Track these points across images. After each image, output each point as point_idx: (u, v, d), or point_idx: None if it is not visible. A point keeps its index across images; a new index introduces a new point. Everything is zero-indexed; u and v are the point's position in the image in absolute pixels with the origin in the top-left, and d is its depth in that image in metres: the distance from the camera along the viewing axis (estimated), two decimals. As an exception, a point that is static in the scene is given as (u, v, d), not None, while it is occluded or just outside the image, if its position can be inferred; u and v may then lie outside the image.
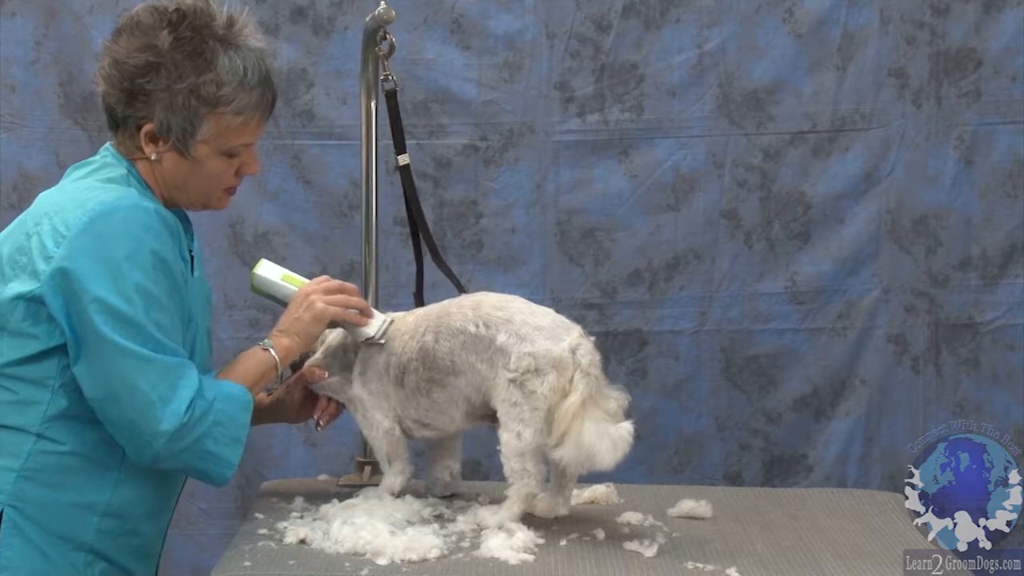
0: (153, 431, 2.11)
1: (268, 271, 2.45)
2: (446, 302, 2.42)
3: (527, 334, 2.28)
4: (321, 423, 2.52)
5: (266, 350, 2.33)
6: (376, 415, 2.42)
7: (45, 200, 2.20)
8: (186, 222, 2.31)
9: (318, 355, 2.47)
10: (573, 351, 2.26)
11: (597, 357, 2.29)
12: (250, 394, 2.25)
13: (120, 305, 2.08)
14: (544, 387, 2.25)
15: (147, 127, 2.18)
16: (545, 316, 2.32)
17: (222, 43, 2.18)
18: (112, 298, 2.08)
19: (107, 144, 2.27)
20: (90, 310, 2.08)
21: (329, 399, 2.50)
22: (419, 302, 2.65)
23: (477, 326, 2.31)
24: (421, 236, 2.70)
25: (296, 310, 2.37)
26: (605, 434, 2.19)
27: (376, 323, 2.41)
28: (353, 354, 2.45)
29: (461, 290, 2.53)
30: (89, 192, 2.15)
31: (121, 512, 2.21)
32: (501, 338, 2.28)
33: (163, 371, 2.12)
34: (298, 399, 2.51)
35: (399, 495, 2.44)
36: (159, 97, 2.16)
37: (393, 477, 2.45)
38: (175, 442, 2.12)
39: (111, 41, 2.20)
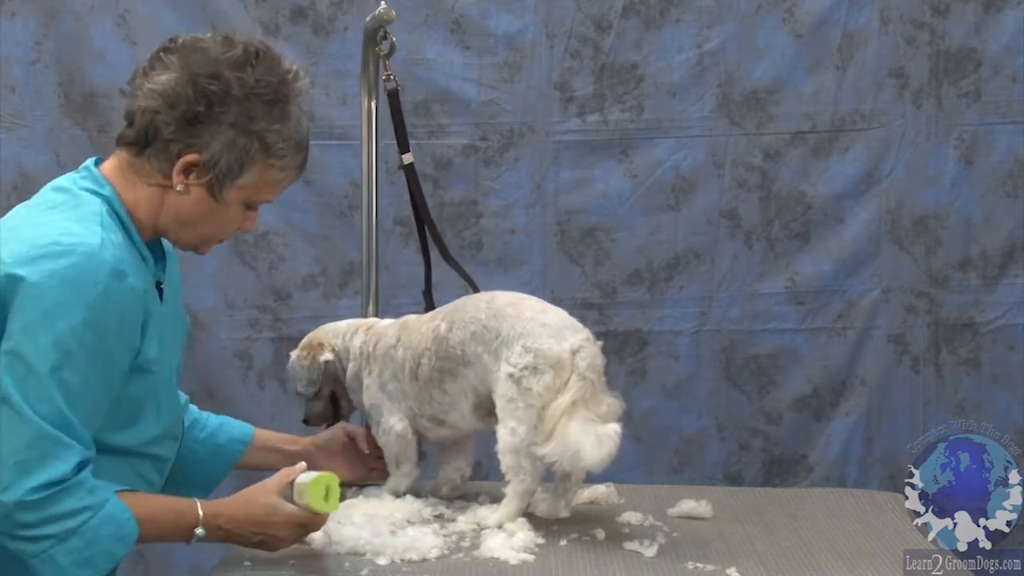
0: None
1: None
2: (465, 297, 2.44)
3: (532, 330, 2.28)
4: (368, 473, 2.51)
5: (195, 509, 2.05)
6: (390, 420, 2.44)
7: (7, 223, 2.05)
8: (160, 251, 2.19)
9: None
10: (573, 353, 2.26)
11: (599, 362, 2.29)
12: (137, 531, 1.99)
13: (27, 350, 1.91)
14: (540, 385, 2.26)
15: (190, 157, 2.03)
16: (555, 315, 2.33)
17: (294, 100, 2.09)
18: (24, 341, 1.91)
19: (89, 162, 2.12)
20: None
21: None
22: (428, 301, 2.67)
23: (487, 317, 2.32)
24: (430, 235, 2.69)
25: (260, 529, 2.09)
26: (590, 432, 2.19)
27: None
28: (365, 367, 2.49)
29: (475, 288, 2.54)
30: (49, 228, 1.98)
31: None
32: (506, 330, 2.29)
33: (39, 439, 1.90)
34: (333, 451, 2.48)
35: (401, 496, 2.45)
36: (222, 131, 2.03)
37: (399, 479, 2.46)
38: (12, 519, 1.91)
39: (179, 55, 2.05)
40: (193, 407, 2.43)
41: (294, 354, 2.52)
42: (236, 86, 2.03)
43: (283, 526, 2.10)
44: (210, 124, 2.03)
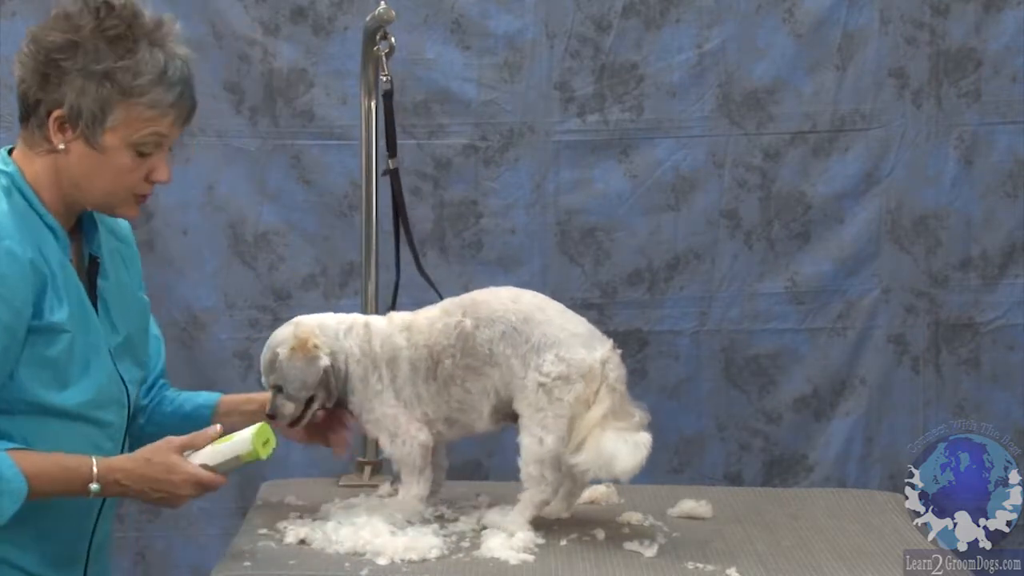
0: None
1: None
2: (473, 292, 2.39)
3: (564, 339, 2.28)
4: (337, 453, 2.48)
5: (89, 465, 2.09)
6: (411, 429, 2.36)
7: None
8: (92, 225, 2.24)
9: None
10: (603, 364, 2.27)
11: (623, 372, 2.30)
12: (26, 486, 2.03)
13: None
14: (571, 396, 2.25)
15: (57, 112, 2.11)
16: (581, 324, 2.33)
17: (147, 38, 2.14)
18: None
19: (2, 150, 2.20)
20: None
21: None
22: (393, 305, 2.65)
23: (517, 320, 2.30)
24: (407, 243, 2.69)
25: (158, 486, 2.13)
26: (626, 440, 2.20)
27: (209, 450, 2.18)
28: (372, 372, 2.38)
29: (441, 297, 2.48)
30: None
31: (28, 520, 2.08)
32: (537, 337, 2.28)
33: None
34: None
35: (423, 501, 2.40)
36: (72, 79, 2.10)
37: (420, 487, 2.38)
38: None
39: (33, 29, 2.16)
40: (169, 388, 2.48)
41: (282, 352, 2.34)
42: (75, 32, 2.11)
43: (182, 484, 2.13)
44: (60, 75, 2.11)
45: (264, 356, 2.39)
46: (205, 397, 2.47)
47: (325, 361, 2.34)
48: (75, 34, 2.11)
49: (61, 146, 2.13)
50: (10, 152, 2.21)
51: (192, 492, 2.15)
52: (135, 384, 2.29)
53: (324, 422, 2.47)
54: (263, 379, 2.40)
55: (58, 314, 2.11)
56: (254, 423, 2.21)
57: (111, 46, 2.11)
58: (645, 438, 2.22)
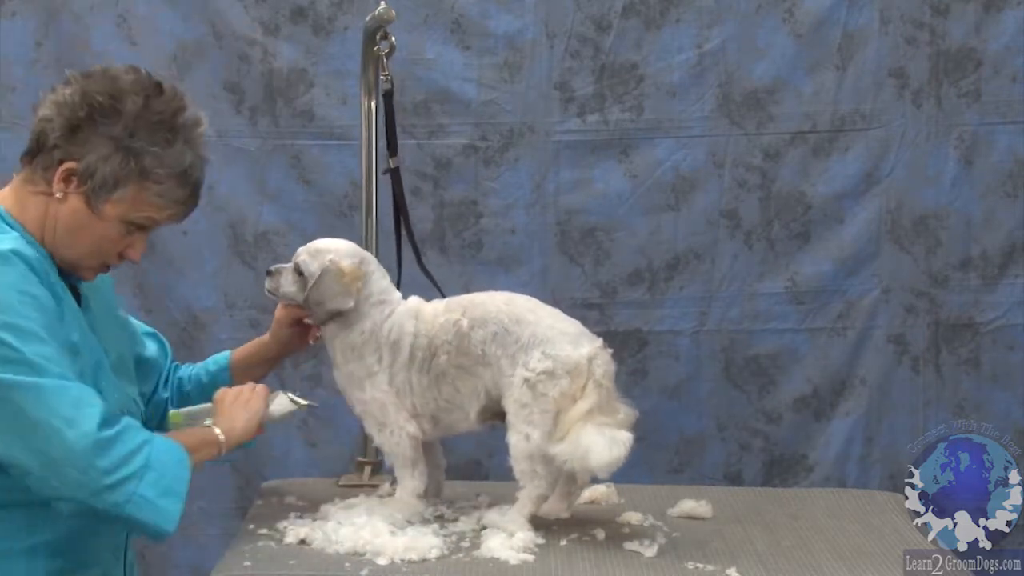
0: (66, 457, 1.99)
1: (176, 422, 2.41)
2: (476, 293, 2.42)
3: (552, 337, 2.29)
4: (312, 341, 2.51)
5: (211, 427, 2.27)
6: (399, 419, 2.39)
7: None
8: None
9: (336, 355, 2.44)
10: (590, 360, 2.28)
11: (612, 369, 2.31)
12: (187, 453, 2.14)
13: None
14: (555, 391, 2.26)
15: (70, 164, 2.12)
16: (572, 324, 2.35)
17: (183, 134, 2.17)
18: None
19: None
20: None
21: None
22: None
23: (509, 321, 2.32)
24: (409, 242, 2.70)
25: (231, 405, 2.33)
26: (605, 434, 2.21)
27: (284, 399, 2.42)
28: (373, 351, 2.39)
29: (443, 295, 2.51)
30: None
31: (68, 549, 2.14)
32: (526, 336, 2.30)
33: (58, 394, 2.01)
34: (286, 336, 2.50)
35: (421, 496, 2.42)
36: (101, 143, 2.12)
37: (416, 481, 2.40)
38: (92, 469, 2.00)
39: (81, 75, 2.17)
40: (180, 368, 2.57)
41: (332, 264, 2.37)
42: (125, 103, 2.13)
43: (239, 394, 2.34)
44: (91, 134, 2.12)
45: (315, 245, 2.43)
46: (215, 362, 2.55)
47: (348, 304, 2.37)
48: (121, 103, 2.13)
49: (59, 194, 2.14)
50: None
51: (260, 393, 2.35)
52: (138, 399, 2.33)
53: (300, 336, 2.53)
54: (295, 255, 2.43)
55: (73, 335, 2.13)
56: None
57: (150, 130, 2.14)
58: (624, 436, 2.23)
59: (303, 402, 2.41)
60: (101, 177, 2.12)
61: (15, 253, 2.06)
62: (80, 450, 1.99)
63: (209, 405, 2.37)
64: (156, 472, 2.05)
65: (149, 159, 2.13)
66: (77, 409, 2.01)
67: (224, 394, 2.36)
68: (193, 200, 2.21)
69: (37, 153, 2.16)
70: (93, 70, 2.18)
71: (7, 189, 2.20)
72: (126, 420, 2.08)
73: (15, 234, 2.12)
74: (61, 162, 2.13)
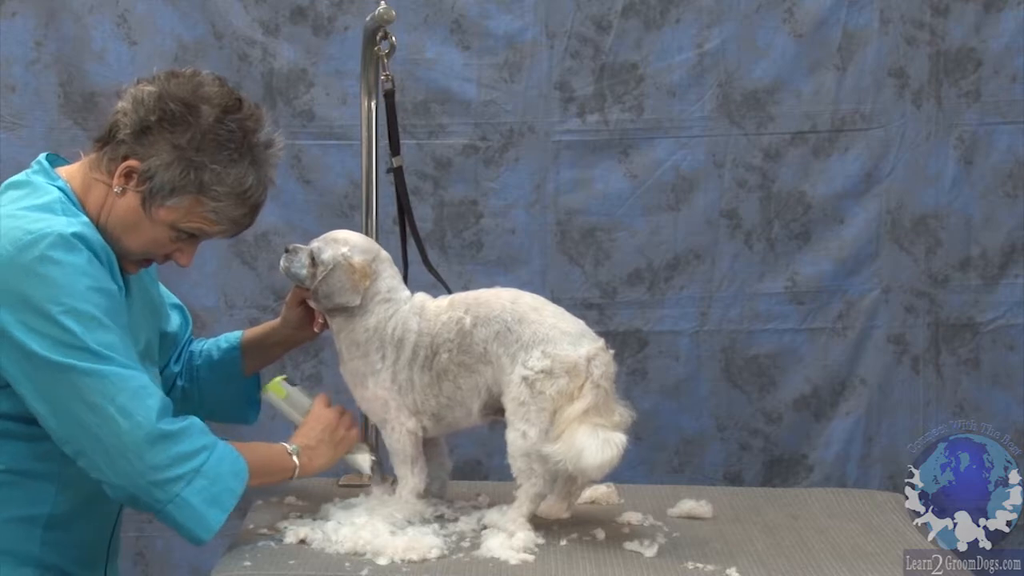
0: (118, 446, 2.03)
1: (279, 394, 2.49)
2: (482, 290, 2.42)
3: (553, 336, 2.29)
4: (317, 328, 2.52)
5: (290, 455, 2.30)
6: (400, 416, 2.40)
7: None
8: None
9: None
10: (589, 360, 2.28)
11: (612, 370, 2.31)
12: (247, 467, 2.17)
13: (52, 330, 2.02)
14: (552, 389, 2.26)
15: (133, 162, 2.15)
16: (574, 324, 2.35)
17: (252, 154, 2.19)
18: (43, 324, 2.02)
19: (41, 157, 2.24)
20: (22, 338, 2.02)
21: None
22: None
23: (512, 320, 2.32)
24: (413, 240, 2.70)
25: (323, 435, 2.36)
26: (599, 435, 2.21)
27: (367, 457, 2.47)
28: (376, 349, 2.40)
29: (450, 291, 2.52)
30: (15, 221, 2.10)
31: (64, 523, 2.19)
32: (527, 335, 2.30)
33: (117, 383, 2.05)
34: (297, 318, 2.51)
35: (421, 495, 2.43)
36: (166, 149, 2.14)
37: (416, 478, 2.41)
38: (144, 462, 2.03)
39: (167, 75, 2.19)
40: (194, 342, 2.59)
41: (343, 259, 2.38)
42: (198, 115, 2.14)
43: (336, 429, 2.38)
44: (159, 138, 2.14)
45: (333, 235, 2.44)
46: (227, 339, 2.57)
47: (355, 301, 2.37)
48: (193, 114, 2.14)
49: (117, 189, 2.17)
50: (50, 161, 2.24)
51: (351, 438, 2.41)
52: (158, 381, 2.35)
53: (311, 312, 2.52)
54: (312, 242, 2.44)
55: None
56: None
57: (217, 146, 2.15)
58: (619, 438, 2.23)
59: (370, 466, 2.46)
60: (159, 182, 2.15)
61: (81, 238, 2.09)
62: (131, 442, 2.03)
63: (309, 402, 2.42)
64: (207, 479, 2.08)
65: (209, 175, 2.15)
66: (135, 400, 2.04)
67: (323, 414, 2.38)
68: (249, 220, 2.24)
69: (107, 142, 2.18)
70: (180, 72, 2.20)
71: (75, 166, 2.23)
72: (191, 420, 2.10)
73: (84, 219, 2.15)
74: (125, 158, 2.15)
